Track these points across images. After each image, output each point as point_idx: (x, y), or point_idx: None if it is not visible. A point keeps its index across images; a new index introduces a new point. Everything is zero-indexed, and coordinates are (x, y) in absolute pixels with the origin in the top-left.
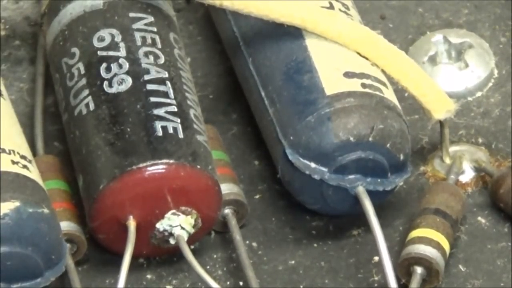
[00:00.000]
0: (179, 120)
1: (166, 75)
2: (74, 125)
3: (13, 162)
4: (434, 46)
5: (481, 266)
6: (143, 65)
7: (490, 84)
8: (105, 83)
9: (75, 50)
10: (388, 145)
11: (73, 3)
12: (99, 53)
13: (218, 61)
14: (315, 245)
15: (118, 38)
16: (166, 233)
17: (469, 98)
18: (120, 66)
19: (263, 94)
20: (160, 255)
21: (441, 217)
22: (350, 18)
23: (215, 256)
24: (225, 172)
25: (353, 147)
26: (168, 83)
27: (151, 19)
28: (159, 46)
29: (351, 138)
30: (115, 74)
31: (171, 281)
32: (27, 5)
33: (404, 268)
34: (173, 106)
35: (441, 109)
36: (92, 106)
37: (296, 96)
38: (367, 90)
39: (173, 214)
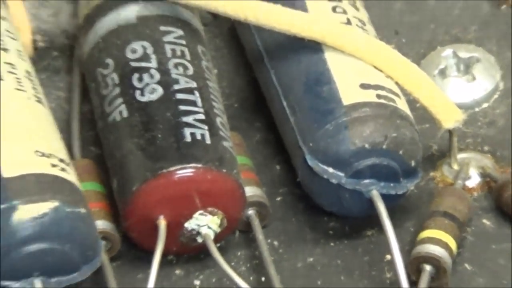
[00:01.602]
0: (206, 127)
1: (194, 85)
2: (108, 131)
3: (53, 165)
4: (444, 60)
5: (485, 265)
6: (173, 76)
7: (496, 96)
8: (138, 92)
9: (110, 61)
10: (400, 152)
11: (108, 17)
12: (132, 64)
13: (242, 72)
14: (332, 244)
15: (150, 50)
16: (194, 232)
17: (476, 109)
18: (152, 76)
19: (284, 103)
20: (188, 252)
21: (449, 219)
22: (366, 33)
23: (239, 253)
24: (249, 176)
25: (368, 153)
26: (196, 92)
27: (180, 32)
28: (188, 58)
29: (367, 145)
30: (147, 84)
31: (198, 276)
32: (65, 19)
33: (414, 266)
34: (201, 114)
35: (450, 119)
36: (125, 114)
37: (316, 106)
38: (381, 100)
39: (201, 214)
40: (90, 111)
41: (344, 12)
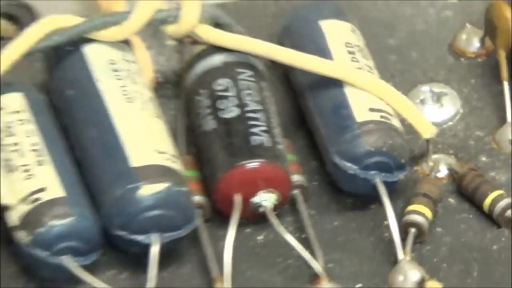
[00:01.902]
0: (267, 135)
1: (259, 107)
2: (202, 137)
3: (166, 159)
4: (423, 94)
5: (451, 228)
6: (245, 101)
7: (457, 117)
8: (221, 111)
9: (203, 91)
10: (395, 153)
11: (203, 62)
12: (218, 93)
13: (291, 99)
14: (349, 213)
15: (230, 84)
16: (258, 205)
17: (444, 126)
18: (231, 101)
19: (318, 121)
20: (254, 217)
21: (426, 198)
22: (372, 75)
23: (288, 219)
24: (295, 168)
25: (373, 154)
26: (261, 113)
27: (250, 73)
28: (255, 89)
29: (372, 149)
30: (228, 106)
31: (261, 233)
32: (174, 63)
33: (403, 229)
34: (264, 127)
35: (427, 132)
36: (213, 126)
37: (338, 122)
38: (382, 119)
39: (263, 192)
40: (190, 124)
41: (358, 61)
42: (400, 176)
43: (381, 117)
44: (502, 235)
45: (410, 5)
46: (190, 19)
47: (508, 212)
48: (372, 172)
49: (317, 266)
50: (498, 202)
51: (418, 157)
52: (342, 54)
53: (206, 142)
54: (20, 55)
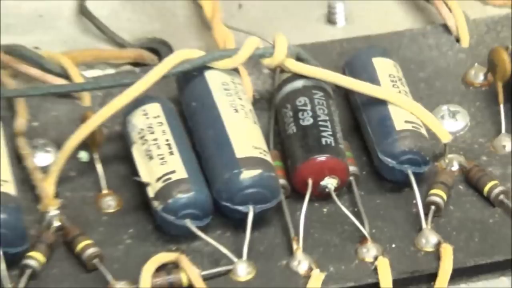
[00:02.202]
0: (332, 138)
1: (327, 118)
2: (286, 138)
3: (260, 153)
4: (443, 111)
5: (460, 206)
6: (317, 113)
7: (466, 129)
8: (301, 120)
9: (288, 105)
10: (422, 153)
11: (288, 86)
12: (298, 107)
13: (349, 113)
14: (388, 194)
15: (307, 101)
16: (325, 187)
17: (457, 134)
18: (308, 113)
19: (368, 128)
20: (321, 196)
21: (443, 185)
22: (408, 97)
23: (345, 197)
24: (351, 162)
25: (407, 153)
26: (328, 122)
27: (322, 93)
28: (325, 105)
29: (406, 149)
30: (305, 117)
31: (326, 206)
32: (267, 85)
33: (426, 206)
34: (330, 131)
35: (445, 138)
36: (294, 130)
37: (383, 130)
38: (414, 128)
39: (328, 178)
40: (278, 128)
41: (398, 87)
42: (426, 169)
43: (413, 127)
44: (496, 212)
45: (435, 49)
46: (280, 54)
47: (501, 196)
48: (406, 165)
49: (364, 231)
50: (494, 189)
51: (438, 156)
52: (387, 82)
53: (289, 141)
54: (159, 78)
